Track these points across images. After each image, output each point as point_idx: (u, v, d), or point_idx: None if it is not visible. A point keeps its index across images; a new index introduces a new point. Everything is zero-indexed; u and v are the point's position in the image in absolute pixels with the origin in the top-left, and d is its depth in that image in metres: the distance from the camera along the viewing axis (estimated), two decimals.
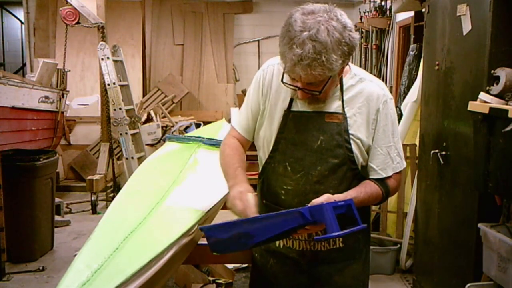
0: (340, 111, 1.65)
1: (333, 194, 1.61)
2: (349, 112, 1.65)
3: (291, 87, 1.58)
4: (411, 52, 4.68)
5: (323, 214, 1.44)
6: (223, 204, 2.51)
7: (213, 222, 2.59)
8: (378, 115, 1.66)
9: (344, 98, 1.66)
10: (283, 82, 1.58)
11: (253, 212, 1.54)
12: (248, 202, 1.56)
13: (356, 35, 1.51)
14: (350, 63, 1.70)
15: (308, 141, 1.67)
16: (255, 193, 1.64)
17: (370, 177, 1.70)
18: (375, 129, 1.67)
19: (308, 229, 1.51)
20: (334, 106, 1.66)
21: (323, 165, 1.66)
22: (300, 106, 1.67)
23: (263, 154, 1.78)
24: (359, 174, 1.70)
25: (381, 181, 1.69)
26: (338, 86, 1.66)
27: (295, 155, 1.69)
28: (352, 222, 1.51)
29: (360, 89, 1.67)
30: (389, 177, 1.70)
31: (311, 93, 1.57)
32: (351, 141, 1.65)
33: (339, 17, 1.49)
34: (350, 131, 1.65)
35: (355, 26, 6.55)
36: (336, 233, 1.43)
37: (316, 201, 1.51)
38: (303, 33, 1.44)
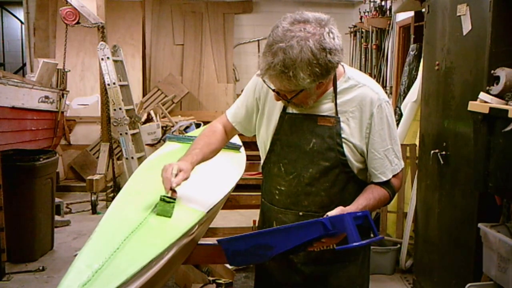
0: (333, 115, 1.66)
1: (324, 196, 1.67)
2: (342, 116, 1.65)
3: (268, 86, 1.60)
4: (411, 52, 4.68)
5: (343, 224, 1.46)
6: (224, 204, 2.51)
7: (213, 222, 2.59)
8: (372, 119, 1.65)
9: (338, 101, 1.65)
10: (263, 80, 1.59)
11: (167, 183, 1.60)
12: (168, 173, 1.62)
13: (336, 58, 1.48)
14: (345, 65, 1.70)
15: (301, 144, 1.68)
16: (183, 171, 1.66)
17: (372, 180, 1.72)
18: (369, 133, 1.66)
19: (324, 242, 1.52)
20: (327, 109, 1.66)
21: (314, 167, 1.67)
22: (295, 108, 1.68)
23: (262, 154, 1.82)
24: (355, 177, 1.70)
25: (385, 183, 1.70)
26: (332, 89, 1.66)
27: (289, 157, 1.71)
28: (367, 233, 1.54)
29: (353, 93, 1.66)
30: (391, 178, 1.71)
31: (282, 98, 1.60)
32: (344, 145, 1.65)
33: (325, 36, 1.46)
34: (342, 135, 1.64)
35: (355, 26, 6.54)
36: (357, 243, 1.45)
37: (331, 213, 1.54)
38: (279, 43, 1.45)
